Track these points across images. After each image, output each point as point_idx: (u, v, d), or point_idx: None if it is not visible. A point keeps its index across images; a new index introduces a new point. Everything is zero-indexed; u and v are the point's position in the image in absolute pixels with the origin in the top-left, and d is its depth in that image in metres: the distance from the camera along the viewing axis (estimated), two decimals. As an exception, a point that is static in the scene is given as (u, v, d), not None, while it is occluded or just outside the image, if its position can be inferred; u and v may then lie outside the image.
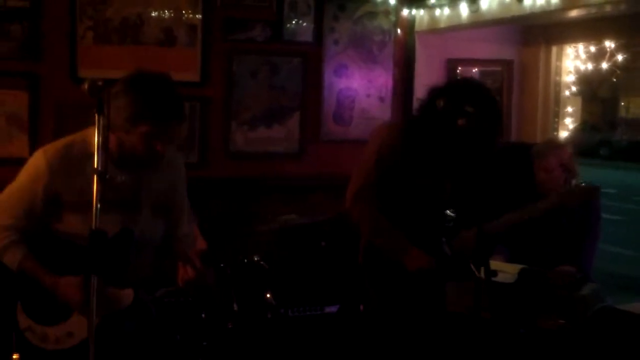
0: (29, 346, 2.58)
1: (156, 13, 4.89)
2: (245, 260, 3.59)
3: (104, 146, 2.09)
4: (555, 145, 4.21)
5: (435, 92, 3.28)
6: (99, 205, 2.08)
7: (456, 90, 3.20)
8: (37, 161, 2.61)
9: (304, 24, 5.26)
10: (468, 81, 3.34)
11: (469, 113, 3.12)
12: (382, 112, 5.46)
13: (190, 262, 2.61)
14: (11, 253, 2.57)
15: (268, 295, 3.51)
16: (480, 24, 5.11)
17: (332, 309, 4.46)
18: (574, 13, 4.75)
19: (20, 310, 2.60)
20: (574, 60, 5.89)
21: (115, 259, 2.50)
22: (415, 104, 3.53)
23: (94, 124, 2.13)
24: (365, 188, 3.27)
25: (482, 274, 2.80)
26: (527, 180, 4.03)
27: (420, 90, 3.49)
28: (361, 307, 3.81)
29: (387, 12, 5.46)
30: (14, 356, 2.59)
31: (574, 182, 3.82)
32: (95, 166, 2.09)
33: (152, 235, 2.74)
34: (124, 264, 2.54)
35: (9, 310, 2.60)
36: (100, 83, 2.16)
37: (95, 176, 2.09)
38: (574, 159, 4.07)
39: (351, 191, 3.32)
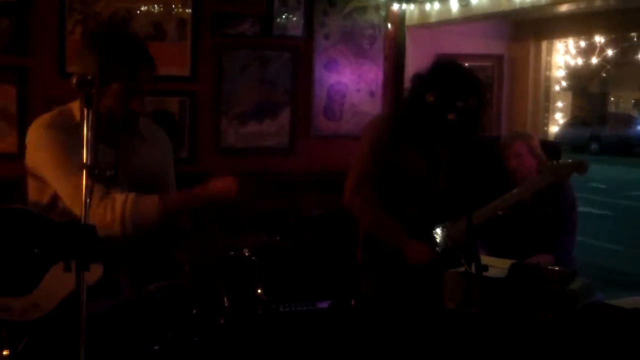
0: None
1: (145, 7, 4.86)
2: (236, 255, 3.57)
3: (93, 140, 2.07)
4: (520, 133, 4.26)
5: (422, 83, 3.28)
6: (88, 200, 2.06)
7: (445, 84, 3.20)
8: (36, 132, 2.60)
9: (294, 18, 5.24)
10: (454, 69, 3.33)
11: (459, 108, 3.13)
12: (373, 107, 5.45)
13: (211, 233, 2.58)
14: (144, 200, 2.52)
15: (259, 291, 3.49)
16: (471, 19, 5.12)
17: (324, 304, 4.47)
18: (563, 8, 4.77)
19: None
20: (563, 55, 5.92)
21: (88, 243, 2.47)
22: (404, 94, 3.56)
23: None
24: (363, 179, 3.31)
25: (473, 269, 2.80)
26: (500, 173, 4.04)
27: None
28: (352, 303, 3.81)
29: (377, 7, 5.46)
30: (4, 352, 2.57)
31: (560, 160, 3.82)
32: (85, 161, 2.07)
33: None
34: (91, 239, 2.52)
35: None
36: (89, 77, 2.15)
37: (84, 171, 2.07)
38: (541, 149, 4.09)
39: (349, 184, 3.35)
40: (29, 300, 2.53)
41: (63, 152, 2.55)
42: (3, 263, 2.54)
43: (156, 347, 3.07)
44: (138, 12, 4.84)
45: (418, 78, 3.38)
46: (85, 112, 2.10)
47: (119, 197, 2.51)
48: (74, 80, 2.14)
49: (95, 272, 2.58)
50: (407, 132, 3.34)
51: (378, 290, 3.41)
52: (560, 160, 3.73)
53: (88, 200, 2.07)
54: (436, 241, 3.32)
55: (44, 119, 2.61)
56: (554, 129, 5.92)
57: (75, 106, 2.61)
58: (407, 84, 3.62)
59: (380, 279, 3.39)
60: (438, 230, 3.33)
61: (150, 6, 4.88)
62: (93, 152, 2.07)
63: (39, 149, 2.61)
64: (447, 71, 3.31)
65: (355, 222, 3.46)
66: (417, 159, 3.36)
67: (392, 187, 3.35)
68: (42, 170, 2.60)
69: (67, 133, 2.54)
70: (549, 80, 5.86)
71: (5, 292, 2.54)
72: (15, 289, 2.54)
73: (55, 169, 2.57)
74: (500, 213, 3.63)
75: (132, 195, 2.52)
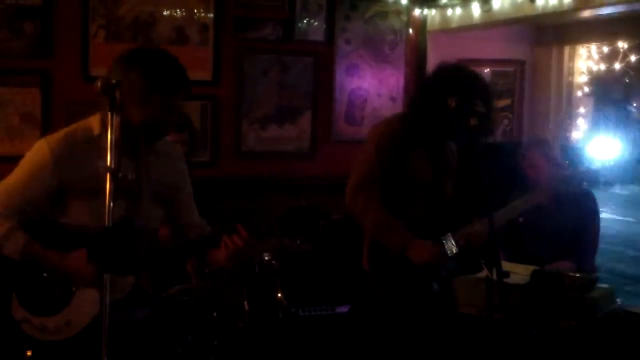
0: (27, 339, 2.54)
1: (168, 12, 4.90)
2: (256, 260, 3.59)
3: (116, 144, 2.08)
4: (537, 140, 4.23)
5: (439, 89, 3.24)
6: (111, 204, 2.08)
7: (465, 89, 3.17)
8: (40, 151, 2.56)
9: (316, 23, 5.26)
10: (466, 74, 3.30)
11: (481, 112, 3.11)
12: (394, 112, 5.42)
13: (237, 232, 2.58)
14: (12, 241, 2.52)
15: (279, 295, 3.51)
16: (492, 24, 5.09)
17: (343, 308, 4.46)
18: (586, 13, 4.72)
19: (16, 302, 2.56)
20: (586, 61, 5.87)
21: (115, 247, 2.48)
22: (414, 98, 3.52)
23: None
24: (365, 181, 3.24)
25: (494, 275, 2.79)
26: (521, 179, 4.03)
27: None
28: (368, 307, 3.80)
29: (398, 12, 5.46)
30: (28, 353, 2.58)
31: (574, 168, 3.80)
32: (108, 164, 2.09)
33: (152, 224, 2.72)
34: (124, 252, 2.52)
35: (4, 302, 2.55)
36: (113, 81, 2.17)
37: (107, 174, 2.08)
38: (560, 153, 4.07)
39: (350, 185, 3.28)
40: (62, 318, 2.55)
41: (28, 175, 2.56)
42: (36, 280, 2.56)
43: (178, 350, 3.08)
44: (160, 16, 4.88)
45: (434, 82, 3.31)
46: (110, 116, 2.11)
47: (4, 225, 2.53)
48: (99, 84, 2.15)
49: (128, 284, 2.61)
50: (417, 136, 3.29)
51: (386, 298, 3.35)
52: (571, 169, 3.71)
53: (111, 204, 2.08)
54: (445, 247, 3.25)
55: (55, 140, 2.58)
56: (576, 135, 5.89)
57: (94, 120, 2.61)
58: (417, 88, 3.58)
59: (388, 287, 3.33)
60: (447, 237, 3.27)
61: (173, 11, 4.91)
62: (117, 156, 2.09)
63: (24, 161, 2.61)
64: (464, 76, 3.28)
65: (361, 229, 3.41)
66: (423, 164, 3.30)
67: (397, 191, 3.30)
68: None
69: (66, 159, 2.53)
70: (571, 85, 5.82)
71: (38, 311, 2.56)
72: (48, 308, 2.56)
73: (12, 176, 2.59)
74: (520, 220, 3.62)
75: (9, 228, 2.53)
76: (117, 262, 2.24)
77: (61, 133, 2.61)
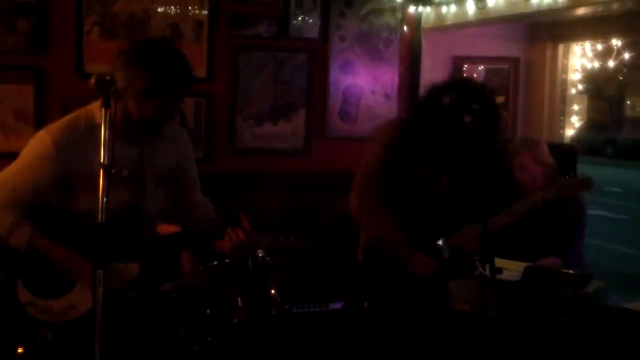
0: (32, 321, 2.56)
1: (162, 9, 4.90)
2: (250, 256, 3.59)
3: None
4: (526, 141, 4.22)
5: (439, 90, 3.26)
6: (104, 199, 2.08)
7: (462, 88, 3.19)
8: (42, 141, 2.55)
9: (310, 20, 5.26)
10: (471, 80, 3.34)
11: (475, 110, 3.12)
12: (388, 109, 5.45)
13: (240, 225, 2.58)
14: (18, 234, 2.52)
15: (273, 291, 3.51)
16: (487, 22, 5.10)
17: (337, 305, 4.47)
18: (580, 11, 4.73)
19: (21, 285, 2.57)
20: (580, 58, 5.87)
21: (121, 234, 2.49)
22: (418, 100, 3.53)
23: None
24: (371, 189, 3.24)
25: (488, 272, 2.80)
26: (508, 179, 4.03)
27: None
28: (365, 305, 3.81)
29: (393, 9, 5.46)
30: (19, 350, 2.59)
31: (567, 176, 3.80)
32: (102, 160, 2.09)
33: (157, 209, 2.73)
34: (130, 239, 2.53)
35: (9, 286, 2.57)
36: (107, 78, 2.17)
37: (101, 170, 2.09)
38: (548, 153, 4.06)
39: (356, 193, 3.27)
40: (66, 301, 2.56)
41: (31, 167, 2.56)
42: (41, 264, 2.57)
43: (170, 346, 3.09)
44: (155, 13, 4.88)
45: (435, 87, 3.32)
46: (104, 113, 2.12)
47: (8, 218, 2.53)
48: (93, 81, 2.15)
49: (133, 269, 2.62)
50: (418, 137, 3.29)
51: (381, 298, 3.36)
52: (568, 178, 3.71)
53: (104, 199, 2.09)
54: (440, 252, 3.26)
55: (56, 129, 2.57)
56: (569, 132, 5.88)
57: (96, 107, 2.59)
58: (422, 88, 3.60)
59: (383, 287, 3.34)
60: (441, 242, 3.27)
61: (167, 7, 4.91)
62: (111, 152, 2.09)
63: (25, 151, 2.61)
64: (466, 81, 3.30)
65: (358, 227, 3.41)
66: (423, 165, 3.30)
67: (396, 192, 3.29)
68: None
69: (69, 147, 2.53)
70: (565, 83, 5.82)
71: (43, 293, 2.57)
72: (53, 290, 2.57)
73: (14, 167, 2.59)
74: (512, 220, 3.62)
75: (13, 222, 2.53)
76: (114, 254, 2.25)
77: (62, 122, 2.60)
